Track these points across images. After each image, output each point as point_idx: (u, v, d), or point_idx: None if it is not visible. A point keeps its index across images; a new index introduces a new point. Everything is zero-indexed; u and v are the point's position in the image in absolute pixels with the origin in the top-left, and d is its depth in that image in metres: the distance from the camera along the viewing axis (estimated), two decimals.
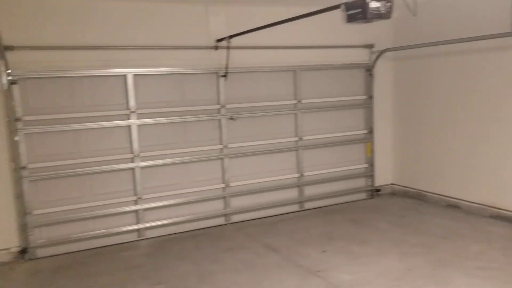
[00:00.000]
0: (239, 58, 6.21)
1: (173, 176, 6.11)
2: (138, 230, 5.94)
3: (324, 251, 5.12)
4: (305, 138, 6.91)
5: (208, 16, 6.07)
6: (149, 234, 6.00)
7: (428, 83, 6.88)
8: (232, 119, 6.31)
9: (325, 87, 7.01)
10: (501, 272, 4.33)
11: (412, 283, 4.22)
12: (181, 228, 6.17)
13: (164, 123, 5.97)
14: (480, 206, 6.22)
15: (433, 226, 5.82)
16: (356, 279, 4.34)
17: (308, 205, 7.03)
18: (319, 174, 7.08)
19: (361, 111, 7.37)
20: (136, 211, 5.91)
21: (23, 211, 5.33)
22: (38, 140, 5.35)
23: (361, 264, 4.71)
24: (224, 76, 6.16)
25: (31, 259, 5.35)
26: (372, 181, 7.54)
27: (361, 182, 7.50)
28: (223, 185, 6.41)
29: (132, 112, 5.75)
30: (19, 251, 5.37)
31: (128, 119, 5.76)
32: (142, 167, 5.88)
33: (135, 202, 5.91)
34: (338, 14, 3.79)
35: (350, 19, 3.69)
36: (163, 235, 6.02)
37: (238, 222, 6.48)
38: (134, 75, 5.74)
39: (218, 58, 6.12)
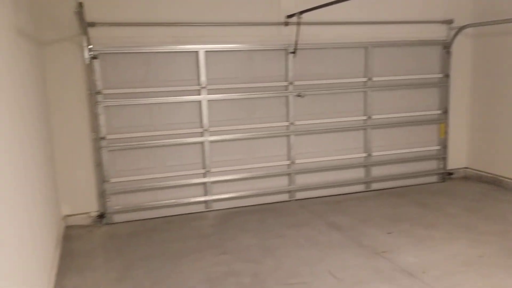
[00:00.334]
0: (309, 34, 6.14)
1: (240, 151, 6.24)
2: (205, 201, 6.17)
3: (390, 233, 5.04)
4: (374, 117, 6.74)
5: None
6: (216, 206, 6.20)
7: (511, 62, 6.41)
8: (299, 96, 6.29)
9: (397, 64, 6.76)
10: None
11: (481, 270, 4.05)
12: (246, 202, 6.32)
13: (232, 99, 6.07)
14: None
15: (510, 214, 5.51)
16: (422, 262, 4.24)
17: (374, 186, 6.91)
18: (387, 154, 6.91)
19: (436, 90, 7.04)
20: (204, 184, 6.13)
21: (101, 179, 5.71)
22: (115, 112, 5.67)
23: (428, 248, 4.59)
24: (293, 52, 6.12)
25: (108, 224, 5.75)
26: (444, 164, 7.23)
27: (432, 165, 7.22)
28: (288, 162, 6.45)
29: (202, 87, 5.91)
30: (98, 216, 5.78)
31: (199, 95, 5.92)
32: (211, 141, 6.06)
33: (204, 175, 6.11)
34: None
35: None
36: (228, 208, 6.20)
37: (302, 199, 6.52)
38: (206, 51, 5.86)
39: (287, 34, 6.09)
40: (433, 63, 6.94)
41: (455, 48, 6.91)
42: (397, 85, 6.78)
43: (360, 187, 6.86)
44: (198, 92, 5.92)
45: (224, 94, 6.02)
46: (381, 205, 6.11)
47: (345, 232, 5.11)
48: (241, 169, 6.26)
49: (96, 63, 5.47)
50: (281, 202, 6.44)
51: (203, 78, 5.88)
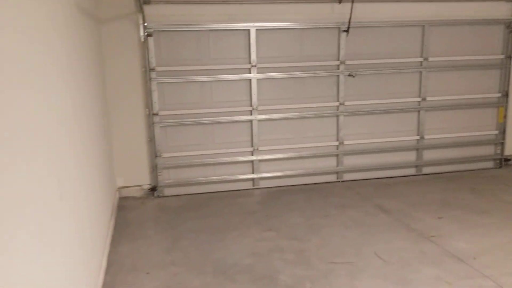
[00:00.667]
0: (363, 12, 6.00)
1: (288, 131, 6.24)
2: (252, 179, 6.25)
3: (440, 218, 4.91)
4: (429, 99, 6.52)
5: None
6: (263, 184, 6.27)
7: None
8: (351, 75, 6.18)
9: (456, 44, 6.47)
10: None
11: None
12: (293, 181, 6.34)
13: (282, 77, 6.06)
14: None
15: None
16: (472, 248, 4.12)
17: (426, 169, 6.72)
18: (441, 138, 6.69)
19: (496, 72, 6.69)
20: (252, 161, 6.20)
21: (154, 154, 5.91)
22: (168, 89, 5.81)
23: (479, 234, 4.44)
24: (346, 31, 6.00)
25: (159, 196, 5.97)
26: (502, 149, 6.91)
27: (488, 150, 6.92)
28: (336, 143, 6.40)
29: (253, 66, 5.93)
30: (149, 189, 6.01)
31: (249, 73, 5.95)
32: (259, 120, 6.10)
33: (251, 153, 6.18)
34: None
35: None
36: (275, 186, 6.26)
37: (349, 180, 6.46)
38: (257, 29, 5.86)
39: (340, 12, 5.97)
40: (495, 43, 6.59)
41: None
42: (454, 66, 6.50)
43: (411, 171, 6.70)
44: (248, 71, 5.95)
45: (274, 73, 6.02)
46: (432, 189, 5.95)
47: (393, 215, 5.04)
48: (289, 148, 6.27)
49: (151, 40, 5.61)
50: (328, 182, 6.41)
51: (253, 56, 5.90)
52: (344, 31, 6.03)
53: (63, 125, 2.70)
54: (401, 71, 6.36)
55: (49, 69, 2.47)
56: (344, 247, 4.25)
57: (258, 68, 5.95)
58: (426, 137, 6.62)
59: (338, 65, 6.17)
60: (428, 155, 6.71)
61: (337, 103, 6.27)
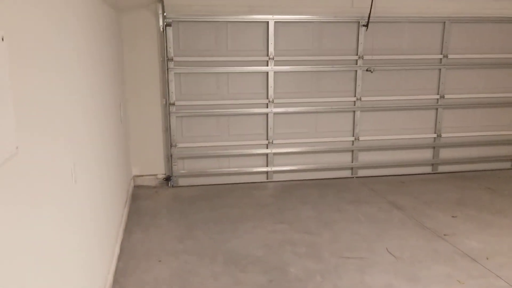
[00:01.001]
0: (383, 7, 5.93)
1: (304, 125, 6.23)
2: (267, 172, 6.26)
3: (454, 216, 4.87)
4: (447, 96, 6.44)
5: None
6: (277, 177, 6.28)
7: None
8: (369, 71, 6.13)
9: (476, 42, 6.37)
10: None
11: None
12: (307, 176, 6.34)
13: (299, 71, 6.04)
14: None
15: None
16: (486, 248, 4.07)
17: (442, 168, 6.65)
18: (458, 136, 6.61)
19: None
20: (266, 154, 6.21)
21: (169, 143, 5.96)
22: (185, 79, 5.84)
23: (493, 234, 4.39)
24: (366, 25, 5.95)
25: (173, 186, 6.02)
26: None
27: (506, 150, 6.82)
28: (352, 138, 6.36)
29: (270, 58, 5.92)
30: (164, 178, 6.07)
31: (267, 66, 5.95)
32: (275, 113, 6.09)
33: (266, 146, 6.19)
34: None
35: None
36: (289, 180, 6.26)
37: (364, 176, 6.43)
38: (276, 22, 5.84)
39: (360, 6, 5.91)
40: None
41: None
42: (475, 63, 6.40)
43: (427, 169, 6.64)
44: (266, 63, 5.95)
45: (292, 66, 6.00)
46: (448, 188, 5.89)
47: (406, 212, 5.01)
48: (304, 142, 6.27)
49: (169, 30, 5.64)
50: (342, 178, 6.39)
51: (271, 49, 5.89)
52: (363, 25, 5.98)
53: (80, 109, 2.75)
54: (420, 68, 6.29)
55: (69, 54, 2.51)
56: (356, 242, 4.24)
57: (275, 61, 5.94)
58: (443, 135, 6.54)
59: (356, 60, 6.12)
60: (445, 153, 6.63)
61: (354, 98, 6.23)
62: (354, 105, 6.26)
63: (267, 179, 6.28)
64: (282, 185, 6.10)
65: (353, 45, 6.10)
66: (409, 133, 6.48)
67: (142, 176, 6.04)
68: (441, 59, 6.32)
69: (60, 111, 2.22)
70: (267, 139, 6.16)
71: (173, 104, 5.84)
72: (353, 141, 6.37)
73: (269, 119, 6.10)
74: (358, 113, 6.28)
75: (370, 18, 5.87)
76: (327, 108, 6.20)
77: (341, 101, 6.22)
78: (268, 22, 5.83)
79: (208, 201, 5.44)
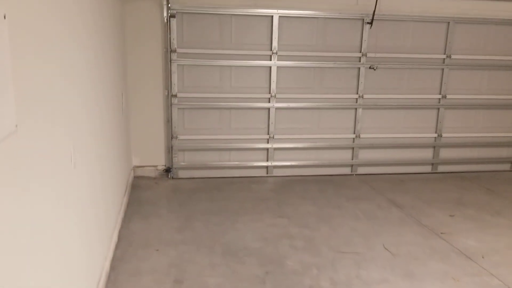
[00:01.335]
0: (388, 5, 5.93)
1: (305, 120, 6.24)
2: (267, 167, 6.27)
3: (452, 216, 4.88)
4: (449, 96, 6.44)
5: None
6: (277, 172, 6.29)
7: None
8: (372, 68, 6.13)
9: (480, 43, 6.37)
10: None
11: None
12: (307, 171, 6.35)
13: (302, 67, 6.04)
14: None
15: None
16: (482, 247, 4.09)
17: (441, 168, 6.66)
18: (459, 137, 6.61)
19: None
20: (267, 149, 6.22)
21: (170, 135, 5.97)
22: (188, 71, 5.85)
23: (490, 234, 4.40)
24: (370, 23, 5.94)
25: (173, 178, 6.04)
26: None
27: (507, 152, 6.82)
28: (353, 136, 6.37)
29: (274, 53, 5.92)
30: (164, 170, 6.08)
31: (270, 60, 5.95)
32: (277, 108, 6.10)
33: (267, 141, 6.20)
34: None
35: None
36: (289, 176, 6.28)
37: (364, 174, 6.44)
38: (280, 16, 5.84)
39: (365, 3, 5.91)
40: None
41: None
42: (478, 65, 6.40)
43: (427, 168, 6.64)
44: (269, 58, 5.95)
45: (295, 62, 6.00)
46: (447, 188, 5.90)
47: (405, 210, 5.02)
48: (305, 138, 6.27)
49: (173, 21, 5.64)
50: (342, 175, 6.40)
51: (275, 43, 5.89)
52: (368, 23, 5.97)
53: (80, 95, 2.76)
54: (423, 67, 6.29)
55: (69, 40, 2.52)
56: (353, 237, 4.26)
57: (279, 55, 5.95)
58: (444, 135, 6.55)
59: (359, 57, 6.12)
60: (445, 153, 6.64)
61: (356, 96, 6.24)
62: (356, 102, 6.26)
63: (267, 173, 6.29)
64: (282, 180, 6.11)
65: (357, 43, 6.09)
66: (410, 132, 6.49)
67: (142, 166, 6.05)
68: (444, 59, 6.32)
69: (60, 94, 2.22)
70: (268, 134, 6.17)
71: (175, 95, 5.85)
72: (354, 138, 6.38)
73: (270, 114, 6.11)
74: (360, 111, 6.28)
75: (375, 16, 5.87)
76: (329, 104, 6.20)
77: (343, 98, 6.23)
78: (272, 16, 5.83)
79: (207, 194, 5.46)
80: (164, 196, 5.40)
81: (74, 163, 2.40)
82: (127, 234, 4.21)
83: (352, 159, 6.44)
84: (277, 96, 6.06)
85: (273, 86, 6.01)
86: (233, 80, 5.96)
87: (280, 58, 5.96)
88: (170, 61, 5.72)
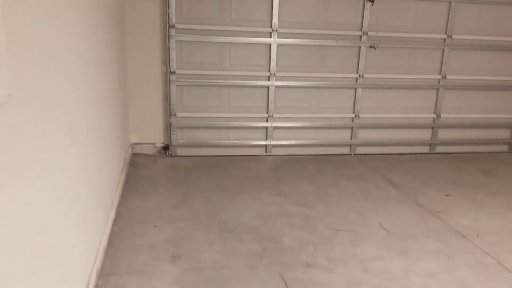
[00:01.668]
0: None
1: (304, 99, 6.21)
2: (265, 146, 6.27)
3: (448, 195, 4.90)
4: (449, 77, 6.40)
5: None
6: (275, 151, 6.30)
7: None
8: (372, 47, 6.08)
9: (482, 23, 6.31)
10: None
11: None
12: (306, 151, 6.35)
13: (302, 44, 5.99)
14: None
15: None
16: (477, 226, 4.12)
17: (439, 149, 6.67)
18: (458, 118, 6.60)
19: None
20: (266, 128, 6.21)
21: (168, 112, 5.95)
22: (186, 48, 5.79)
23: (485, 214, 4.43)
24: (371, 1, 5.87)
25: (171, 156, 6.04)
26: None
27: (505, 133, 6.82)
28: (352, 115, 6.36)
29: (274, 30, 5.86)
30: (163, 147, 6.08)
31: (270, 37, 5.89)
32: (277, 87, 6.07)
33: (266, 120, 6.18)
34: None
35: None
36: (288, 155, 6.28)
37: (362, 154, 6.45)
38: None
39: None
40: None
41: None
42: (479, 45, 6.35)
43: (425, 149, 6.65)
44: (269, 35, 5.89)
45: (295, 39, 5.94)
46: (444, 168, 5.92)
47: (402, 190, 5.04)
48: (304, 117, 6.26)
49: None
50: (341, 154, 6.41)
51: (275, 20, 5.82)
52: (369, 1, 5.90)
53: (78, 63, 2.73)
54: (424, 47, 6.24)
55: (67, 9, 2.48)
56: (350, 216, 4.28)
57: (279, 32, 5.88)
58: (443, 115, 6.54)
59: (360, 36, 6.06)
60: (444, 134, 6.64)
61: (356, 75, 6.20)
62: (356, 81, 6.23)
63: (266, 152, 6.29)
64: (280, 159, 6.12)
65: (358, 21, 6.03)
66: (409, 112, 6.47)
67: (140, 144, 6.05)
68: (445, 39, 6.26)
69: (57, 59, 2.20)
70: (267, 113, 6.15)
71: (174, 72, 5.80)
72: (353, 118, 6.36)
73: (270, 92, 6.08)
74: (359, 90, 6.25)
75: None
76: (329, 83, 6.17)
77: (343, 77, 6.19)
78: None
79: (205, 172, 5.47)
80: (162, 173, 5.40)
81: (71, 137, 2.39)
82: (124, 211, 4.23)
83: (351, 139, 6.44)
84: (277, 74, 6.01)
85: (273, 64, 5.97)
86: (232, 57, 5.90)
87: (280, 35, 5.90)
88: (169, 37, 5.66)
